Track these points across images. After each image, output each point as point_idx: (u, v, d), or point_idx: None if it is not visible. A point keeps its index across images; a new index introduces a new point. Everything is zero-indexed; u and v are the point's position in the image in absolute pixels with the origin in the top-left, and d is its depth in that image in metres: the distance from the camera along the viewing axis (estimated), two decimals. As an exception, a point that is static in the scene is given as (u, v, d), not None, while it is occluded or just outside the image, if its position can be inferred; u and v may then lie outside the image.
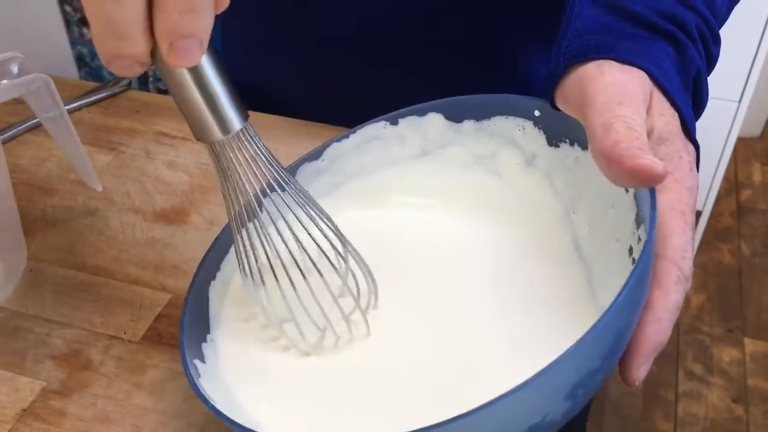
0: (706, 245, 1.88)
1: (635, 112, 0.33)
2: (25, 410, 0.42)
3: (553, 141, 0.42)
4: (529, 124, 0.42)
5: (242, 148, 0.34)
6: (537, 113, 0.42)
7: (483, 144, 0.44)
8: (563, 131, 0.41)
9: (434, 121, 0.45)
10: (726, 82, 1.59)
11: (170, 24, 0.28)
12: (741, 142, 2.20)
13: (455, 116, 0.44)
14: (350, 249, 0.39)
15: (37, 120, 0.61)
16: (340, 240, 0.38)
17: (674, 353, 1.65)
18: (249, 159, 0.35)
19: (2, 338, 0.46)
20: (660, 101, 0.36)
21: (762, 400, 1.56)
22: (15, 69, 0.47)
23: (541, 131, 0.42)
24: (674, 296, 0.32)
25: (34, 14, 1.69)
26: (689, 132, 0.37)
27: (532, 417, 0.28)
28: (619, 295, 0.28)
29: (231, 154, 0.34)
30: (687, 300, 1.77)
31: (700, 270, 1.85)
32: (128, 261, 0.51)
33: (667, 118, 0.36)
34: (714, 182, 1.73)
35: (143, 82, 1.63)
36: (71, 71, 1.92)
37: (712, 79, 1.52)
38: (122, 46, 0.28)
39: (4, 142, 0.62)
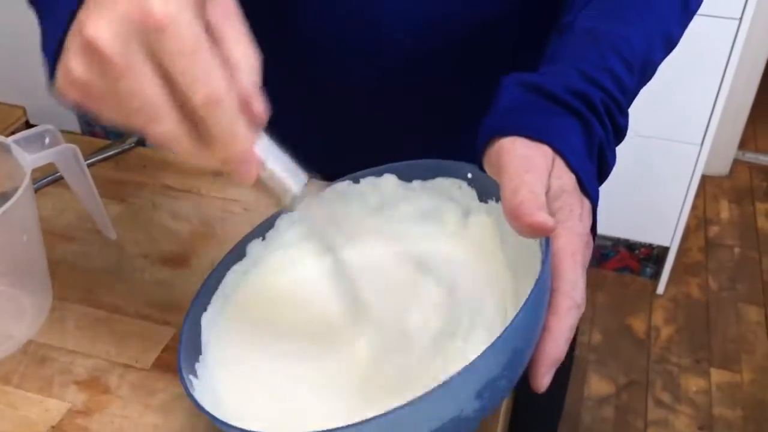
0: (675, 279, 1.97)
1: (537, 179, 0.42)
2: (54, 427, 0.50)
3: (483, 198, 0.50)
4: (464, 184, 0.51)
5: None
6: (470, 175, 0.50)
7: (429, 199, 0.53)
8: (491, 190, 0.49)
9: (389, 180, 0.54)
10: (688, 126, 1.67)
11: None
12: (710, 180, 2.30)
13: (406, 177, 0.53)
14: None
15: (57, 174, 0.70)
16: None
17: (644, 382, 1.73)
18: None
19: (33, 366, 0.54)
20: (560, 167, 0.44)
21: (727, 429, 1.63)
22: (47, 140, 0.55)
23: (474, 190, 0.51)
24: (567, 320, 0.40)
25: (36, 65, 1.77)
26: (587, 192, 0.44)
27: (451, 411, 0.36)
28: (513, 319, 0.36)
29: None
30: (657, 331, 1.86)
31: (670, 303, 1.94)
32: (139, 300, 0.60)
33: (563, 179, 0.43)
34: (681, 219, 1.81)
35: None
36: (70, 114, 2.00)
37: (677, 123, 1.64)
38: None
39: (28, 194, 0.70)
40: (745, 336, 1.84)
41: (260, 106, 0.37)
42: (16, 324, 0.56)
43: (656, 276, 1.97)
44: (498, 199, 0.47)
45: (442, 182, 0.52)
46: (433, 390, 0.34)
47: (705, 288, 1.97)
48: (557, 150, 0.44)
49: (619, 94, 0.48)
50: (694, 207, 1.81)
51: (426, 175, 0.53)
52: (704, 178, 2.01)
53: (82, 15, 0.35)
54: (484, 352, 0.35)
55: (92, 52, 0.34)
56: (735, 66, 1.57)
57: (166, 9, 0.33)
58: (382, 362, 0.46)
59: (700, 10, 0.58)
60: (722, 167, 2.33)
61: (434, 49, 0.64)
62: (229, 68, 0.35)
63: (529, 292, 0.42)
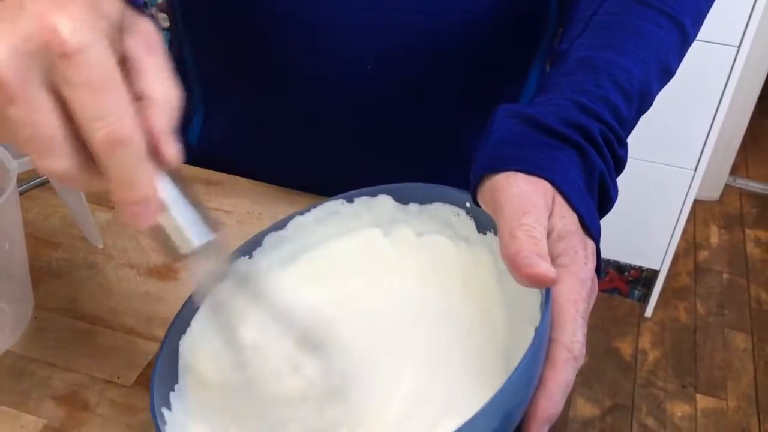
0: (663, 303, 1.97)
1: (536, 220, 0.39)
2: (28, 445, 0.48)
3: (481, 229, 0.48)
4: (462, 212, 0.49)
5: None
6: (468, 204, 0.48)
7: (425, 224, 0.51)
8: (489, 222, 0.46)
9: (384, 202, 0.52)
10: (683, 151, 1.67)
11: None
12: (700, 205, 2.31)
13: (402, 199, 0.51)
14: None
15: (44, 178, 0.68)
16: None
17: (629, 406, 1.72)
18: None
19: (9, 379, 0.52)
20: (561, 205, 0.41)
21: (711, 455, 1.63)
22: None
23: (472, 219, 0.48)
24: (564, 375, 0.37)
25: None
26: (589, 230, 0.42)
27: None
28: (507, 380, 0.33)
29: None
30: (644, 354, 1.85)
31: (657, 326, 1.93)
32: (124, 312, 0.58)
33: (566, 219, 0.41)
34: (671, 243, 1.81)
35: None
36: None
37: (671, 148, 1.63)
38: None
39: (12, 196, 0.68)
40: (732, 363, 1.83)
41: (171, 149, 0.34)
42: (-6, 333, 0.54)
43: (644, 299, 1.96)
44: (496, 232, 0.44)
45: (439, 208, 0.50)
46: None
47: (693, 313, 1.97)
48: (557, 186, 0.41)
49: (616, 125, 0.46)
50: (684, 231, 1.80)
51: (423, 199, 0.51)
52: (695, 203, 2.01)
53: None
54: (475, 415, 0.32)
55: None
56: (732, 92, 1.57)
57: (75, 35, 0.30)
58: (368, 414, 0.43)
59: (699, 36, 0.57)
60: (713, 192, 2.34)
61: (421, 65, 0.63)
62: (140, 105, 0.32)
63: (523, 335, 0.39)
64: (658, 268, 1.87)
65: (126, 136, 0.31)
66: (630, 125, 0.49)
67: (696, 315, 1.96)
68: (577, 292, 0.39)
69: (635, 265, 1.93)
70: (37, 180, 0.68)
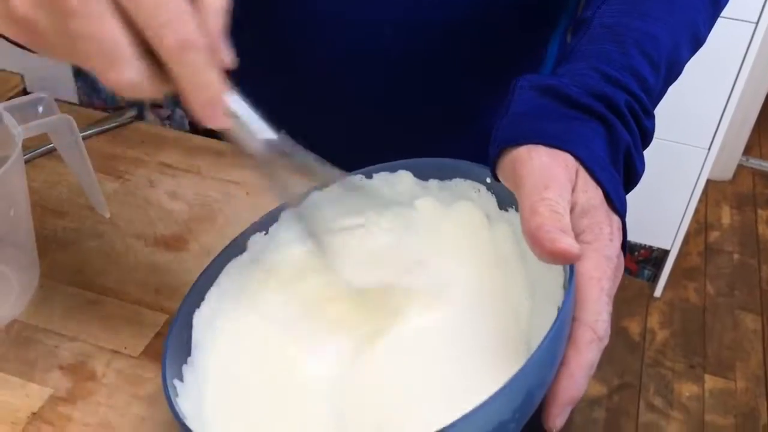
0: (673, 283, 1.95)
1: (559, 194, 0.37)
2: (34, 414, 0.48)
3: (502, 205, 0.46)
4: (483, 188, 0.47)
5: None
6: (488, 180, 0.47)
7: (447, 200, 0.49)
8: (510, 199, 0.45)
9: (404, 177, 0.50)
10: (697, 129, 1.65)
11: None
12: (712, 184, 2.28)
13: (422, 175, 0.50)
14: None
15: (51, 145, 0.67)
16: None
17: (637, 385, 1.72)
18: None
19: (15, 348, 0.52)
20: (584, 178, 0.39)
21: (718, 435, 1.63)
22: (41, 109, 0.52)
23: (493, 195, 0.47)
24: (587, 355, 0.36)
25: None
26: (614, 204, 0.40)
27: None
28: (529, 359, 0.32)
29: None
30: (652, 334, 1.84)
31: (666, 306, 1.92)
32: (131, 282, 0.57)
33: (590, 193, 0.39)
34: (683, 222, 1.79)
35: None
36: (68, 83, 1.97)
37: (685, 126, 1.61)
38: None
39: (19, 165, 0.67)
40: (741, 343, 1.82)
41: (227, 53, 0.34)
42: (0, 301, 0.53)
43: (654, 279, 1.95)
44: (518, 209, 0.43)
45: (459, 184, 0.49)
46: None
47: (702, 293, 1.96)
48: (580, 159, 0.39)
49: (643, 95, 0.44)
50: (695, 211, 1.79)
51: (443, 175, 0.49)
52: (707, 183, 1.98)
53: None
54: (496, 394, 0.31)
55: None
56: (749, 70, 1.54)
57: None
58: (378, 389, 0.42)
59: (716, 12, 0.55)
60: (726, 172, 2.31)
61: (432, 43, 0.62)
62: (194, 9, 0.32)
63: (546, 316, 0.38)
64: (668, 248, 1.85)
65: (193, 39, 0.32)
66: (657, 96, 0.47)
67: (706, 295, 1.95)
68: (602, 270, 0.37)
69: (645, 245, 1.91)
70: (44, 148, 0.67)
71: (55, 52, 0.33)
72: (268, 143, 0.38)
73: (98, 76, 0.32)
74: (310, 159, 0.40)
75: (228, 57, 0.34)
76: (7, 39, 0.36)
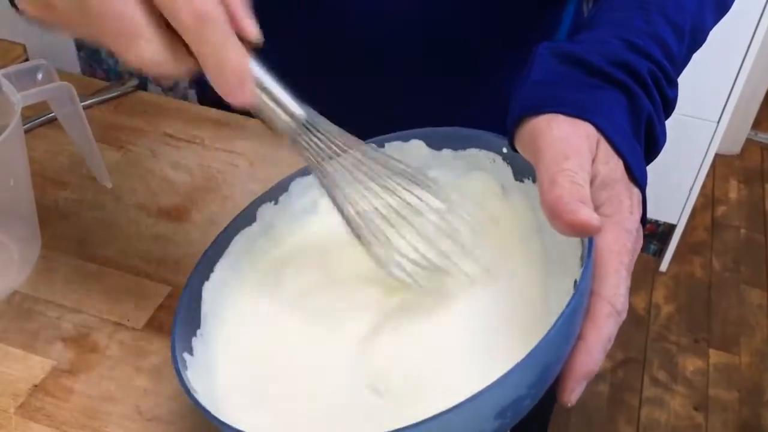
0: (679, 257, 1.94)
1: (579, 165, 0.36)
2: (36, 386, 0.47)
3: (518, 176, 0.45)
4: (498, 158, 0.46)
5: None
6: (504, 150, 0.45)
7: (460, 170, 0.48)
8: (527, 169, 0.43)
9: (417, 147, 0.49)
10: (706, 103, 1.63)
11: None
12: (720, 159, 2.26)
13: (435, 144, 0.49)
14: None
15: (51, 114, 0.66)
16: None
17: (641, 359, 1.72)
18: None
19: (17, 320, 0.51)
20: (605, 149, 0.38)
21: (722, 410, 1.63)
22: (40, 76, 0.51)
23: (509, 166, 0.46)
24: (605, 330, 0.35)
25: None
26: (634, 176, 0.39)
27: (468, 430, 0.32)
28: (547, 334, 0.32)
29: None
30: (657, 308, 1.83)
31: (672, 281, 1.91)
32: (134, 254, 0.56)
33: (611, 165, 0.38)
34: (690, 197, 1.78)
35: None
36: (71, 53, 1.95)
37: (694, 99, 1.58)
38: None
39: (19, 134, 0.66)
40: (746, 318, 1.82)
41: (251, 25, 0.33)
42: (1, 272, 0.53)
43: (660, 253, 1.94)
44: (535, 180, 0.42)
45: (474, 154, 0.47)
46: (451, 409, 0.30)
47: (708, 268, 1.95)
48: (601, 129, 0.38)
49: (667, 63, 0.43)
50: (702, 185, 1.77)
51: (457, 145, 0.48)
52: (715, 157, 1.96)
53: None
54: (512, 369, 0.31)
55: None
56: (759, 42, 1.51)
57: None
58: (398, 359, 0.41)
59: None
60: (734, 146, 2.29)
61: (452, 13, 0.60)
62: None
63: (563, 290, 0.37)
64: (675, 222, 1.84)
65: (210, 10, 0.31)
66: (681, 64, 0.46)
67: (712, 270, 1.94)
68: (621, 243, 0.36)
69: (652, 219, 1.90)
70: (44, 117, 0.66)
71: (74, 30, 0.33)
72: (296, 117, 0.38)
73: (119, 55, 0.32)
74: (335, 131, 0.39)
75: (252, 30, 0.33)
76: (19, 12, 0.36)
